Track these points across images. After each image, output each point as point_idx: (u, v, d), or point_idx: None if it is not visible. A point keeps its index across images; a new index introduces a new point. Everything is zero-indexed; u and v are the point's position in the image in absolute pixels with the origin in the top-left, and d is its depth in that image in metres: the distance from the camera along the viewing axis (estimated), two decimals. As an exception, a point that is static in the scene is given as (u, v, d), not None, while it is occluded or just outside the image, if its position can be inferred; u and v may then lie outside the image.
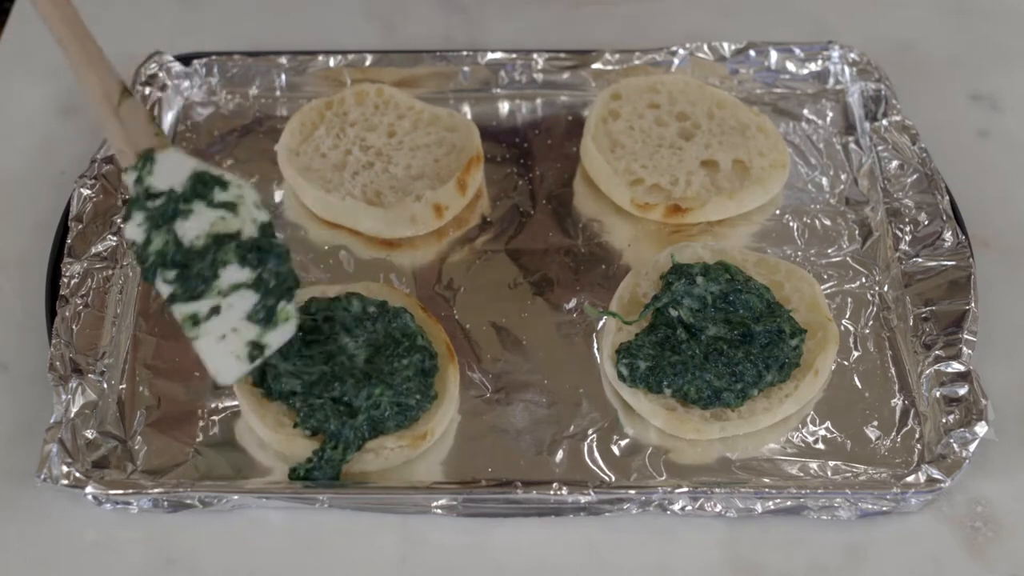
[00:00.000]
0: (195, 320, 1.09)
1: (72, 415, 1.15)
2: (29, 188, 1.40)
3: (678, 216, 1.33)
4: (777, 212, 1.37)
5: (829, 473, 1.15)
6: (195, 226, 1.08)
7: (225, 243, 1.08)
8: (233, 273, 1.09)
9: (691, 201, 1.34)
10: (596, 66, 1.49)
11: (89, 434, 1.15)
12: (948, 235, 1.29)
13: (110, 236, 1.29)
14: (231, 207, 1.09)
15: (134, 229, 1.08)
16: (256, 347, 1.10)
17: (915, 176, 1.35)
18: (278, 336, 1.11)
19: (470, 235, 1.36)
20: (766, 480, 1.14)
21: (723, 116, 1.41)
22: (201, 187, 1.09)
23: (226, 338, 1.09)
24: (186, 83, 1.48)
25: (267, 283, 1.10)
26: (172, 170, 1.09)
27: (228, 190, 1.09)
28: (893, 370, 1.23)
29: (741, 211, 1.35)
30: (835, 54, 1.48)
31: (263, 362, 1.13)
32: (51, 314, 1.22)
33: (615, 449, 1.18)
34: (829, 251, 1.33)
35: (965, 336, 1.20)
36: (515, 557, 1.12)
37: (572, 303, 1.29)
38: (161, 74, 1.46)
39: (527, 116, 1.48)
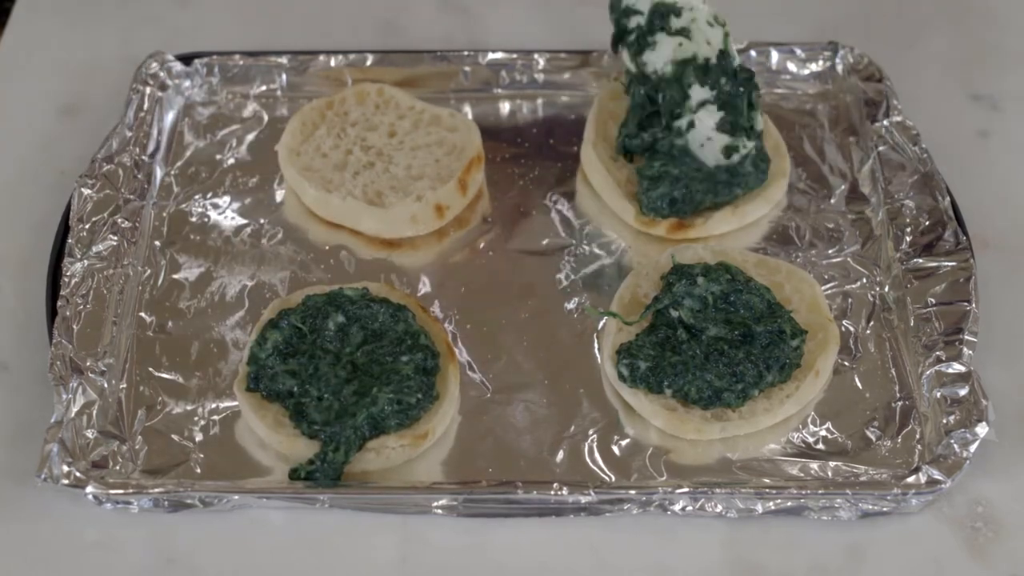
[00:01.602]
0: (679, 134, 1.30)
1: (72, 415, 1.15)
2: (29, 188, 1.40)
3: (681, 232, 1.33)
4: (778, 213, 1.37)
5: (830, 473, 1.15)
6: (660, 56, 1.29)
7: (687, 67, 1.28)
8: (698, 92, 1.28)
9: (694, 216, 1.33)
10: (596, 66, 1.48)
11: (89, 434, 1.15)
12: (948, 235, 1.29)
13: (110, 236, 1.29)
14: (686, 32, 1.27)
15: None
16: (729, 149, 1.30)
17: (915, 176, 1.35)
18: (748, 143, 1.30)
19: (471, 235, 1.36)
20: (766, 480, 1.14)
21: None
22: (659, 19, 1.28)
23: (704, 146, 1.30)
24: (187, 83, 1.48)
25: (727, 100, 1.29)
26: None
27: (682, 16, 1.28)
28: (894, 371, 1.23)
29: (744, 223, 1.35)
30: (835, 54, 1.48)
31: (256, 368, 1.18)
32: (51, 314, 1.22)
33: (615, 449, 1.18)
34: (829, 252, 1.33)
35: (965, 337, 1.20)
36: (515, 557, 1.12)
37: (572, 303, 1.29)
38: (162, 74, 1.46)
39: (528, 116, 1.48)
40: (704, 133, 1.30)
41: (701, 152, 1.31)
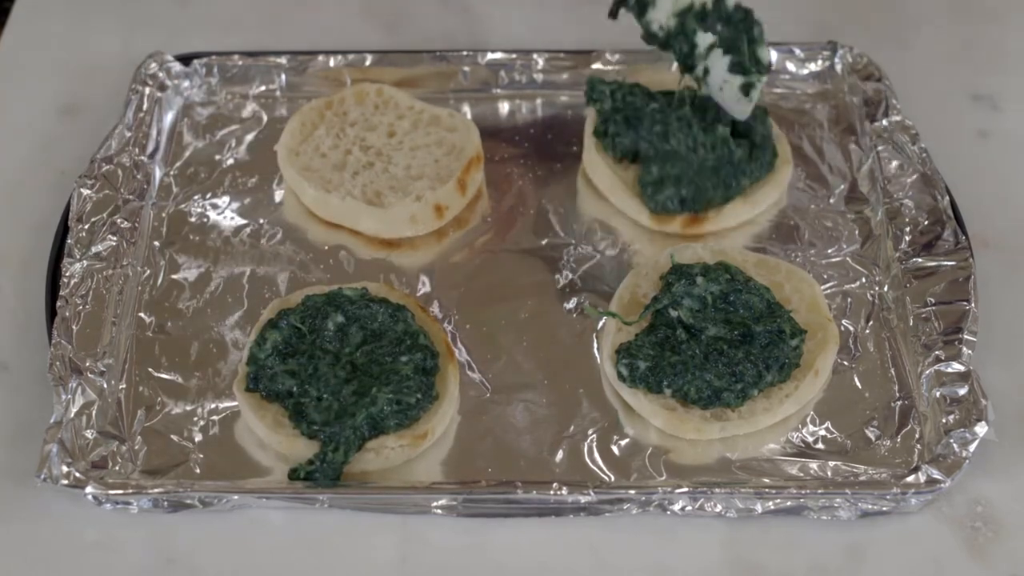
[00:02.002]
0: (698, 81, 1.33)
1: (72, 415, 1.15)
2: (29, 188, 1.40)
3: (696, 226, 1.33)
4: (777, 212, 1.37)
5: (829, 473, 1.15)
6: (662, 11, 1.31)
7: (687, 15, 1.30)
8: (703, 38, 1.30)
9: (706, 210, 1.33)
10: (596, 66, 1.48)
11: (89, 434, 1.15)
12: (948, 235, 1.29)
13: (110, 236, 1.29)
14: None
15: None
16: (746, 87, 1.30)
17: (915, 176, 1.35)
18: (762, 77, 1.31)
19: (470, 235, 1.36)
20: (766, 480, 1.14)
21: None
22: None
23: (723, 89, 1.31)
24: (186, 83, 1.48)
25: (729, 43, 1.29)
26: None
27: None
28: (893, 370, 1.23)
29: (757, 211, 1.35)
30: (835, 54, 1.48)
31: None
32: (51, 314, 1.22)
33: (615, 449, 1.18)
34: (829, 251, 1.33)
35: (965, 336, 1.20)
36: (515, 557, 1.12)
37: (572, 303, 1.29)
38: (161, 74, 1.46)
39: (527, 116, 1.48)
40: (719, 77, 1.31)
41: (722, 97, 1.32)
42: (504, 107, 1.48)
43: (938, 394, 1.17)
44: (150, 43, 1.51)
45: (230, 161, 1.42)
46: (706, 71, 1.32)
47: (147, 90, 1.44)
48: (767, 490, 1.12)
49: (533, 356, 1.24)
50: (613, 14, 1.35)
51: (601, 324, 1.26)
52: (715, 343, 1.19)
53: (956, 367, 1.18)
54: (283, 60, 1.49)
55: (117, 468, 1.15)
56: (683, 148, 1.33)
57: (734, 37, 1.30)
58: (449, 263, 1.33)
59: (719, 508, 1.12)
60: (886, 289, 1.29)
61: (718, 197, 1.32)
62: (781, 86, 1.49)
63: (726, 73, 1.31)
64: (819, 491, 1.12)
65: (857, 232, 1.35)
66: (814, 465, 1.16)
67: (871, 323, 1.27)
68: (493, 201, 1.39)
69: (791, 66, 1.49)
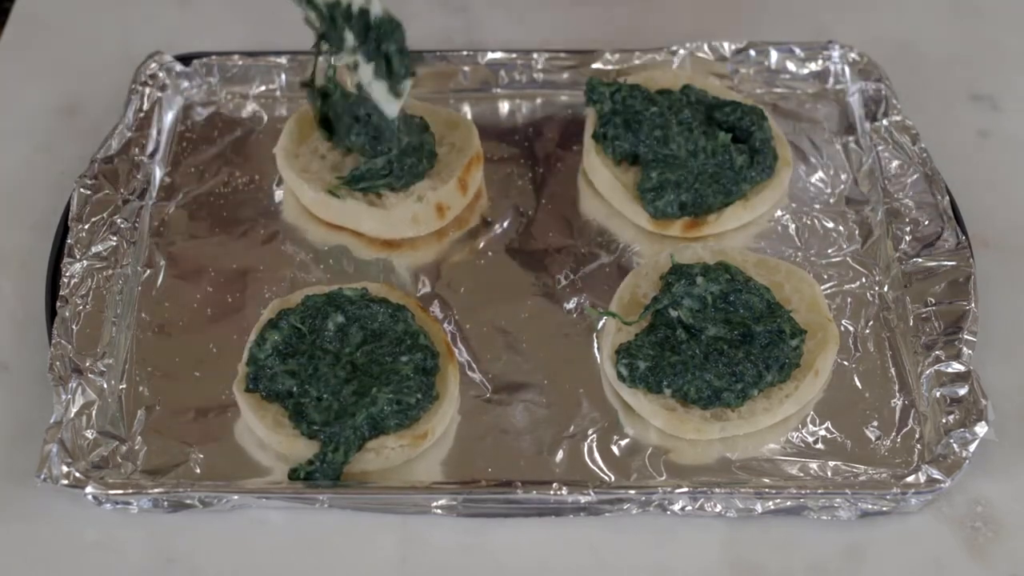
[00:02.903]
0: (350, 66, 1.29)
1: (72, 415, 1.15)
2: (29, 188, 1.40)
3: (695, 230, 1.33)
4: (778, 212, 1.37)
5: (829, 473, 1.15)
6: None
7: (335, 10, 1.26)
8: (349, 36, 1.27)
9: (705, 214, 1.33)
10: (596, 66, 1.48)
11: (89, 434, 1.15)
12: (948, 235, 1.29)
13: (110, 236, 1.29)
14: None
15: None
16: (393, 91, 1.29)
17: (915, 176, 1.35)
18: (406, 82, 1.30)
19: (470, 235, 1.36)
20: (766, 480, 1.15)
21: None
22: None
23: (371, 86, 1.28)
24: (186, 83, 1.48)
25: (371, 52, 1.27)
26: None
27: None
28: (893, 370, 1.23)
29: (756, 215, 1.35)
30: (835, 54, 1.48)
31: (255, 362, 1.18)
32: (51, 314, 1.22)
33: (615, 449, 1.18)
34: (829, 251, 1.33)
35: (965, 336, 1.20)
36: (515, 557, 1.12)
37: (572, 303, 1.29)
38: (161, 74, 1.46)
39: (527, 116, 1.48)
40: (366, 76, 1.28)
41: (371, 92, 1.29)
42: (504, 107, 1.48)
43: (938, 394, 1.17)
44: (150, 43, 1.51)
45: (230, 161, 1.42)
46: (356, 64, 1.28)
47: (147, 90, 1.44)
48: (767, 490, 1.12)
49: (533, 356, 1.24)
50: None
51: (601, 324, 1.26)
52: (715, 343, 1.19)
53: (956, 367, 1.18)
54: (283, 60, 1.48)
55: (117, 468, 1.15)
56: (683, 153, 1.33)
57: (376, 47, 1.27)
58: (449, 263, 1.33)
59: (719, 508, 1.13)
60: (886, 289, 1.29)
61: (718, 202, 1.32)
62: (781, 86, 1.49)
63: (372, 76, 1.28)
64: (819, 491, 1.12)
65: (857, 232, 1.35)
66: (814, 465, 1.16)
67: (871, 323, 1.27)
68: (493, 201, 1.39)
69: (791, 66, 1.49)
